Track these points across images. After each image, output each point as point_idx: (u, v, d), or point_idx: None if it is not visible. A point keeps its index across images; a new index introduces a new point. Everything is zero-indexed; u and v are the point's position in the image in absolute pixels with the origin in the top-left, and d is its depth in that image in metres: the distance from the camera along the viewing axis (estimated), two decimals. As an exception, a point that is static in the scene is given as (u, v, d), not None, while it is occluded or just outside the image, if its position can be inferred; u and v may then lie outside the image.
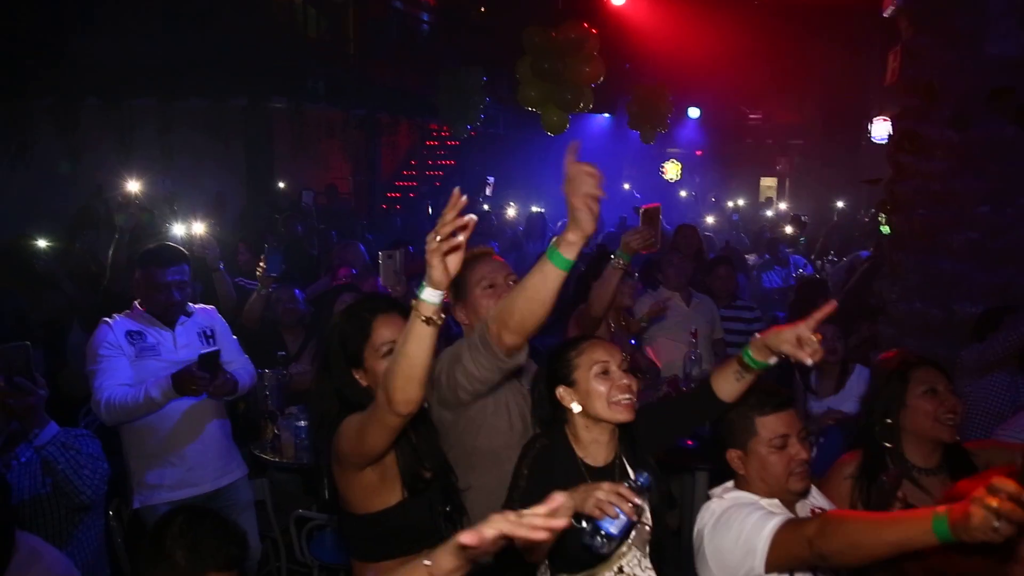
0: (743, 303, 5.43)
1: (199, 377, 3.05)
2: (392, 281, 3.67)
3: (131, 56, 9.12)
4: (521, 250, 8.35)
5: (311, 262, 6.93)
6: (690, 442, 3.91)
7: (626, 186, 14.66)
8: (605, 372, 2.16)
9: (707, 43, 10.06)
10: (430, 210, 12.39)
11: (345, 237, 7.93)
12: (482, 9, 14.33)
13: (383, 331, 2.07)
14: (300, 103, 10.73)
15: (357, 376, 2.07)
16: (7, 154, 8.79)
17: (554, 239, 1.95)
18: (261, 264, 4.19)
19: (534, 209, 10.57)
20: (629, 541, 2.21)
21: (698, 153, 17.06)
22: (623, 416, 2.13)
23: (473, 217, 1.66)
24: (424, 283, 1.68)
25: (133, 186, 3.94)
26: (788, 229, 9.25)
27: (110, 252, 4.12)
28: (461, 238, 1.65)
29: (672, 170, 16.05)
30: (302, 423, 3.80)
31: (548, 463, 2.23)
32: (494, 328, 2.03)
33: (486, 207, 10.35)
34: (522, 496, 2.18)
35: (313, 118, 11.56)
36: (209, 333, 3.38)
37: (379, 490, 2.06)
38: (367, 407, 2.00)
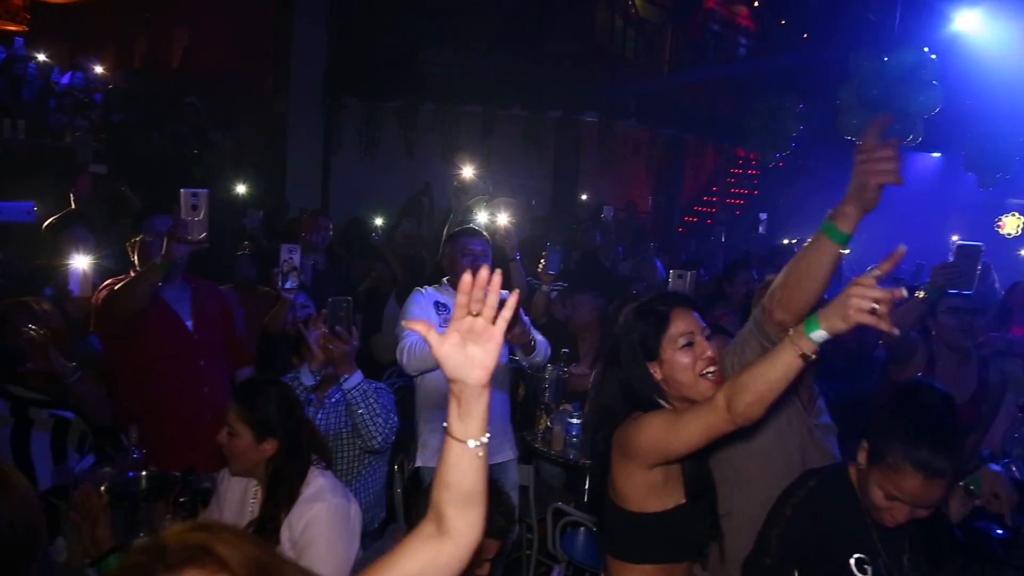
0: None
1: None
2: None
3: (464, 67, 10.09)
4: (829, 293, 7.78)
5: (606, 273, 7.10)
6: (1000, 531, 3.39)
7: (954, 238, 13.00)
8: None
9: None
10: (723, 238, 12.10)
11: (635, 254, 8.02)
12: (804, 36, 13.69)
13: (680, 323, 2.06)
14: (611, 119, 11.04)
15: (652, 369, 2.07)
16: (360, 146, 10.23)
17: (830, 212, 1.88)
18: (542, 262, 4.36)
19: (843, 252, 9.80)
20: None
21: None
22: None
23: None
24: (819, 323, 1.63)
25: (468, 172, 4.29)
26: None
27: (445, 229, 4.53)
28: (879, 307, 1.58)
29: (1012, 224, 13.98)
30: (574, 420, 3.91)
31: (820, 506, 2.05)
32: (768, 303, 1.98)
33: (788, 241, 9.81)
34: (781, 536, 2.04)
35: (621, 135, 11.85)
36: None
37: (660, 491, 2.03)
38: (652, 401, 2.04)
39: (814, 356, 1.63)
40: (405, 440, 3.71)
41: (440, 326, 3.34)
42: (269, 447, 2.37)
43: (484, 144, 10.29)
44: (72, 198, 4.84)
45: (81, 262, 3.27)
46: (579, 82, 10.35)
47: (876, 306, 1.56)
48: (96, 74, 11.89)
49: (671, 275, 3.55)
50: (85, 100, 10.29)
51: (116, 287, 3.17)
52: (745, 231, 12.39)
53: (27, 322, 2.95)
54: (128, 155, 9.01)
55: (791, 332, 1.66)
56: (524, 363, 3.61)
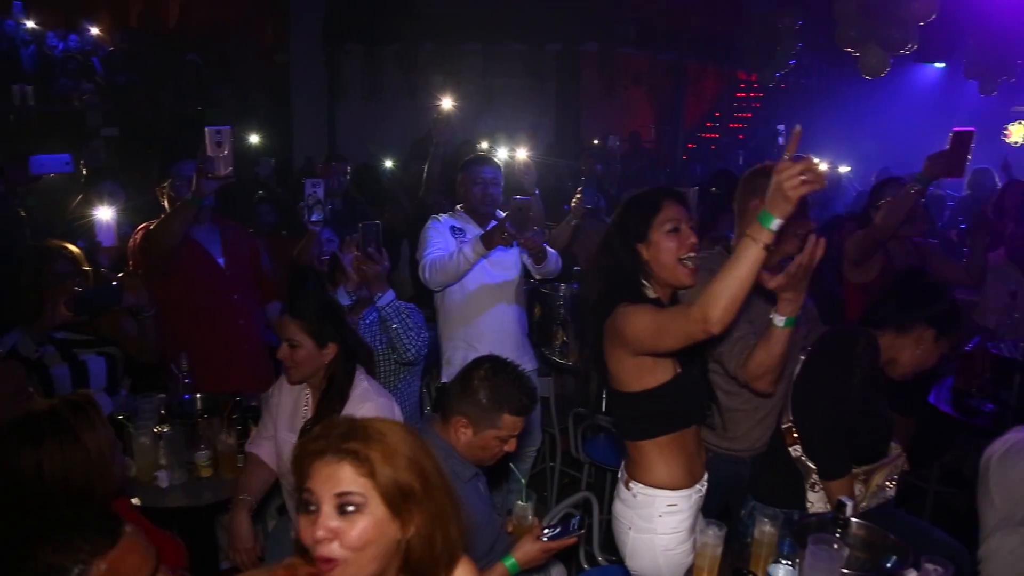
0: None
1: (506, 229, 3.27)
2: None
3: (461, 5, 10.07)
4: (829, 209, 7.87)
5: (610, 201, 7.22)
6: (989, 406, 3.62)
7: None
8: None
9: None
10: (741, 160, 12.13)
11: (643, 184, 8.13)
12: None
13: (670, 210, 2.19)
14: (610, 47, 10.99)
15: (640, 250, 2.21)
16: (363, 91, 10.30)
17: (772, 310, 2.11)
18: (578, 196, 4.47)
19: (842, 170, 9.86)
20: None
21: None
22: None
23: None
24: (772, 214, 1.77)
25: (447, 103, 4.30)
26: None
27: (426, 166, 4.62)
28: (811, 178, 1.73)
29: (1018, 132, 13.89)
30: (589, 335, 4.12)
31: None
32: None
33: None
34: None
35: (622, 64, 11.82)
36: None
37: (652, 369, 2.18)
38: (636, 285, 2.18)
39: (774, 244, 1.81)
40: (428, 365, 3.94)
41: (458, 247, 3.52)
42: (330, 351, 2.60)
43: (486, 81, 10.33)
44: (82, 164, 4.97)
45: (105, 213, 3.39)
46: (576, 10, 10.31)
47: (804, 176, 1.73)
48: (93, 36, 11.89)
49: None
50: (87, 64, 10.36)
51: (151, 227, 3.39)
52: (755, 148, 12.40)
53: (66, 266, 3.16)
54: (137, 116, 9.15)
55: (748, 231, 1.81)
56: (534, 271, 3.74)
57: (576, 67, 11.48)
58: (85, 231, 3.99)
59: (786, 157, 1.75)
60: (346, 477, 1.36)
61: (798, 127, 1.79)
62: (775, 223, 1.77)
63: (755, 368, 2.31)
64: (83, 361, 3.19)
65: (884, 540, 2.00)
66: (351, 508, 1.35)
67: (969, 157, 3.50)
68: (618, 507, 2.35)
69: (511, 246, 3.49)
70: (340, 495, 1.35)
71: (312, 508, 1.37)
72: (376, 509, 1.36)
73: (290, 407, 2.74)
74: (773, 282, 2.03)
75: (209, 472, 2.92)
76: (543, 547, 2.22)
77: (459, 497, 1.51)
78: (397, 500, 1.38)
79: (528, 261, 3.72)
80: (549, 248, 3.67)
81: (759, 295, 2.20)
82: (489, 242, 3.36)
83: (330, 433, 1.40)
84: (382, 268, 3.14)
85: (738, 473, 2.69)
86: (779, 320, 2.14)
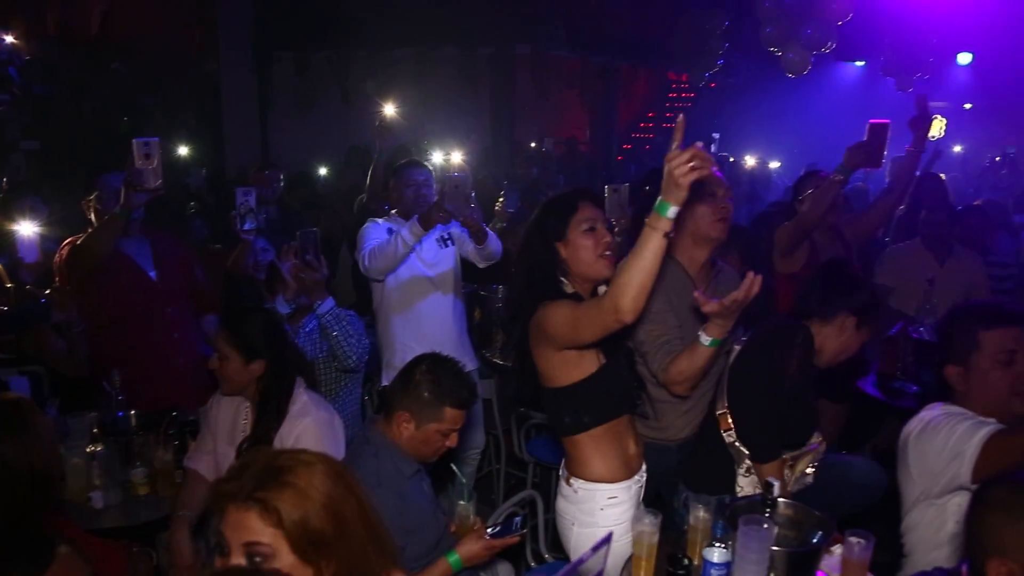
0: (994, 259, 5.00)
1: (444, 208, 3.27)
2: (617, 213, 3.82)
3: (393, 9, 10.02)
4: (760, 203, 8.09)
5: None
6: (914, 387, 3.79)
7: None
8: None
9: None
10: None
11: (576, 185, 8.21)
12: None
13: (586, 211, 2.25)
14: (542, 50, 11.07)
15: (558, 248, 2.27)
16: (296, 99, 10.15)
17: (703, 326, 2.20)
18: (500, 200, 4.51)
19: (772, 165, 10.16)
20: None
21: (967, 107, 15.19)
22: None
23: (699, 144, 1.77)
24: (668, 202, 1.82)
25: (389, 110, 4.31)
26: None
27: (369, 172, 4.63)
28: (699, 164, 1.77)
29: (934, 126, 14.45)
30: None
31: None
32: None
33: (731, 158, 10.14)
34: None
35: (554, 66, 11.92)
36: (447, 236, 3.76)
37: (578, 362, 2.23)
38: (556, 282, 2.23)
39: (673, 231, 1.88)
40: (370, 372, 3.94)
41: (397, 231, 3.46)
42: (257, 367, 2.56)
43: (420, 87, 10.30)
44: (4, 183, 4.83)
45: (27, 229, 3.29)
46: (508, 13, 10.35)
47: (693, 163, 1.77)
48: (8, 44, 11.41)
49: (607, 190, 3.74)
50: (2, 73, 9.95)
51: (78, 242, 3.30)
52: (688, 147, 12.64)
53: None
54: (58, 128, 8.85)
55: (648, 220, 1.87)
56: (476, 254, 3.71)
57: (510, 70, 11.55)
58: (6, 247, 3.88)
59: (674, 147, 1.80)
60: (253, 526, 1.35)
61: (681, 117, 1.84)
62: (671, 210, 1.83)
63: (676, 375, 2.44)
64: (4, 381, 3.12)
65: (810, 517, 2.09)
66: (259, 558, 1.35)
67: (886, 147, 3.68)
68: (561, 504, 2.39)
69: (448, 223, 3.49)
70: (247, 544, 1.35)
71: (225, 551, 1.37)
72: (285, 558, 1.36)
73: (229, 421, 2.71)
74: (707, 307, 2.12)
75: (146, 490, 2.86)
76: (487, 544, 2.25)
77: (387, 537, 1.51)
78: (307, 549, 1.37)
79: (469, 246, 3.69)
80: (490, 231, 3.66)
81: (696, 311, 2.28)
82: (427, 222, 3.34)
83: (243, 474, 1.39)
84: (321, 275, 3.14)
85: (668, 461, 2.77)
86: (705, 339, 2.25)
